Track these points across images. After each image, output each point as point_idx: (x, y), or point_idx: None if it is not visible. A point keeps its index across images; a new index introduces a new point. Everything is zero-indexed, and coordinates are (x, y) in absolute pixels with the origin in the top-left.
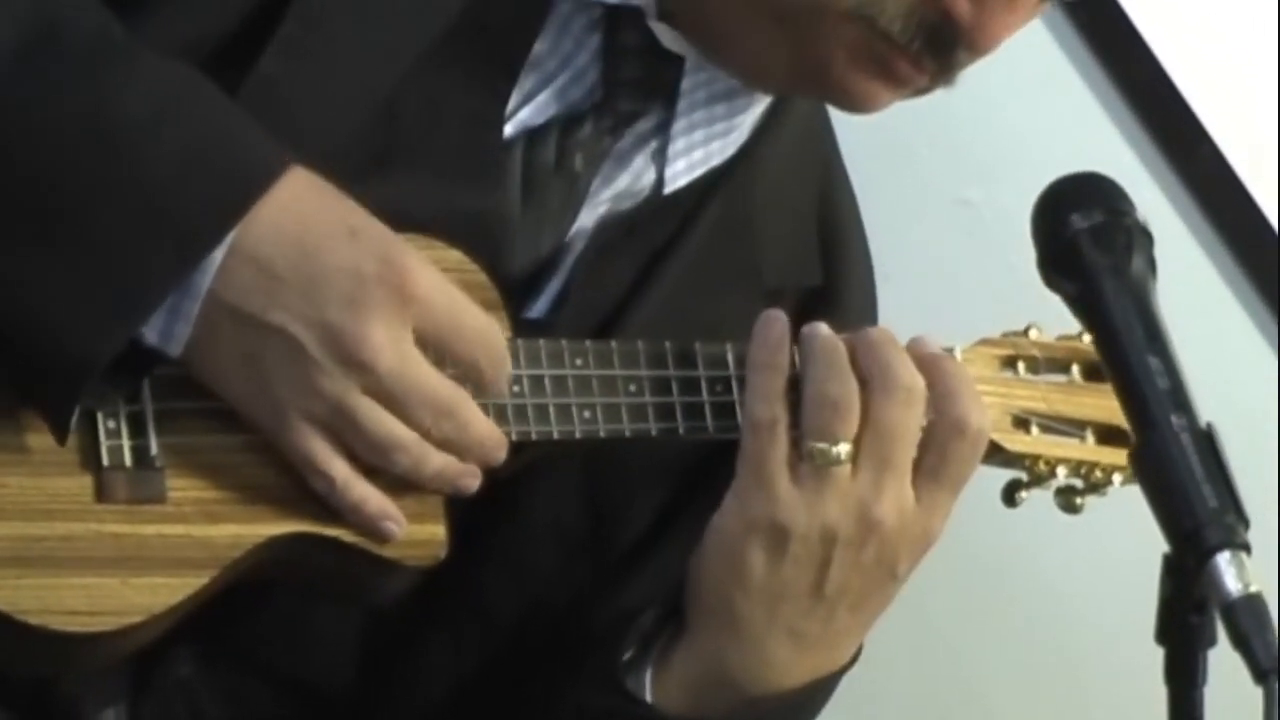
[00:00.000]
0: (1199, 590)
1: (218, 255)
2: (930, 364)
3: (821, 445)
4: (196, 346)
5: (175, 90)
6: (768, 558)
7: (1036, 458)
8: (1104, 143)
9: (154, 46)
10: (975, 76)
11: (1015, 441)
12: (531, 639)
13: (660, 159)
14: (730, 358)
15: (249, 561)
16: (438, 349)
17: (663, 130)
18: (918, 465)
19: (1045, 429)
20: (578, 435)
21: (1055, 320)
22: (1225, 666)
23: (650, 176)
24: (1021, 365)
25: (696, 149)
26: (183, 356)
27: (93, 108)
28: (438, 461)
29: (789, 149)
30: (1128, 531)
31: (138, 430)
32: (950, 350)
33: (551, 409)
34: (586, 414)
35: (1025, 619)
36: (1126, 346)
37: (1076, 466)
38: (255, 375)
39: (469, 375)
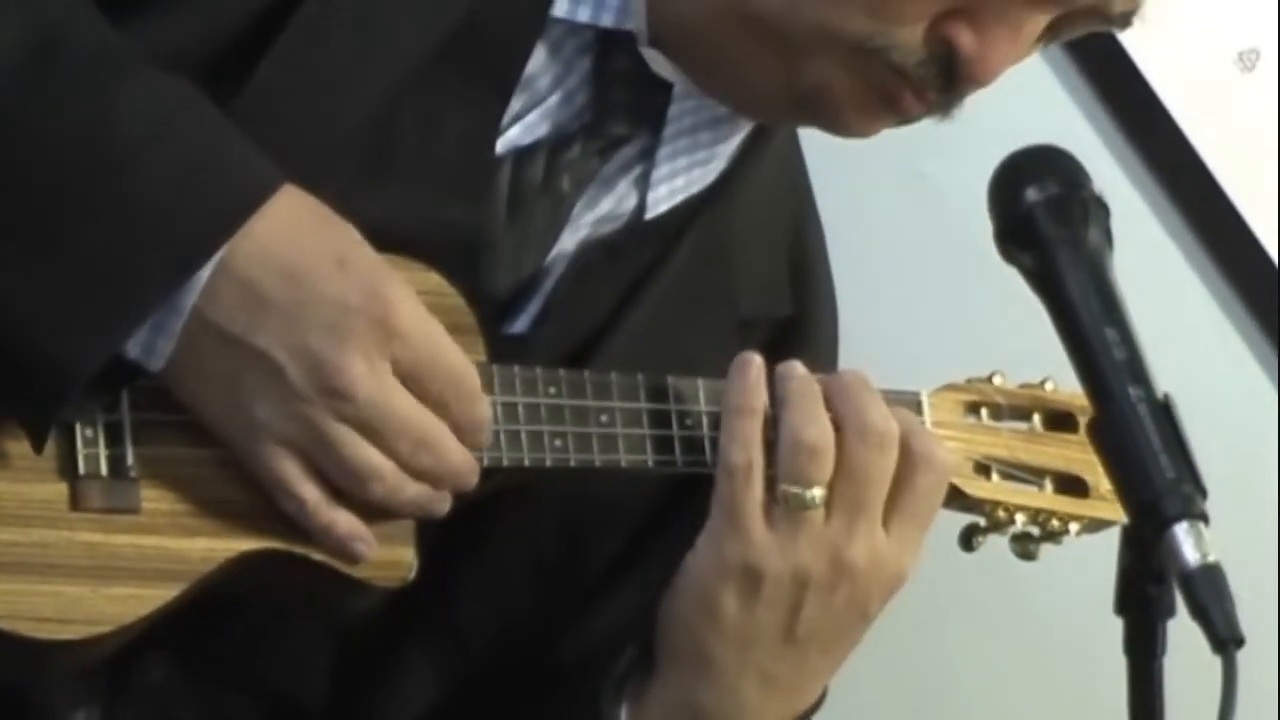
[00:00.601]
0: (1157, 561)
1: (205, 273)
2: (892, 411)
3: (796, 490)
4: (177, 363)
5: (171, 106)
6: (740, 600)
7: (996, 504)
8: (1061, 116)
9: (152, 54)
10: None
11: (976, 487)
12: (505, 663)
13: (643, 185)
14: (701, 393)
15: (220, 576)
16: (410, 382)
17: (647, 156)
18: (887, 505)
19: (1006, 475)
20: (548, 463)
21: (1013, 294)
22: (1184, 637)
23: (632, 201)
24: (985, 411)
25: (679, 176)
26: (162, 372)
27: (90, 121)
28: (412, 490)
29: (766, 177)
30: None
31: (114, 440)
32: (916, 395)
33: (523, 436)
34: (558, 442)
35: (985, 591)
36: (1083, 318)
37: (1035, 514)
38: (233, 395)
39: (437, 413)
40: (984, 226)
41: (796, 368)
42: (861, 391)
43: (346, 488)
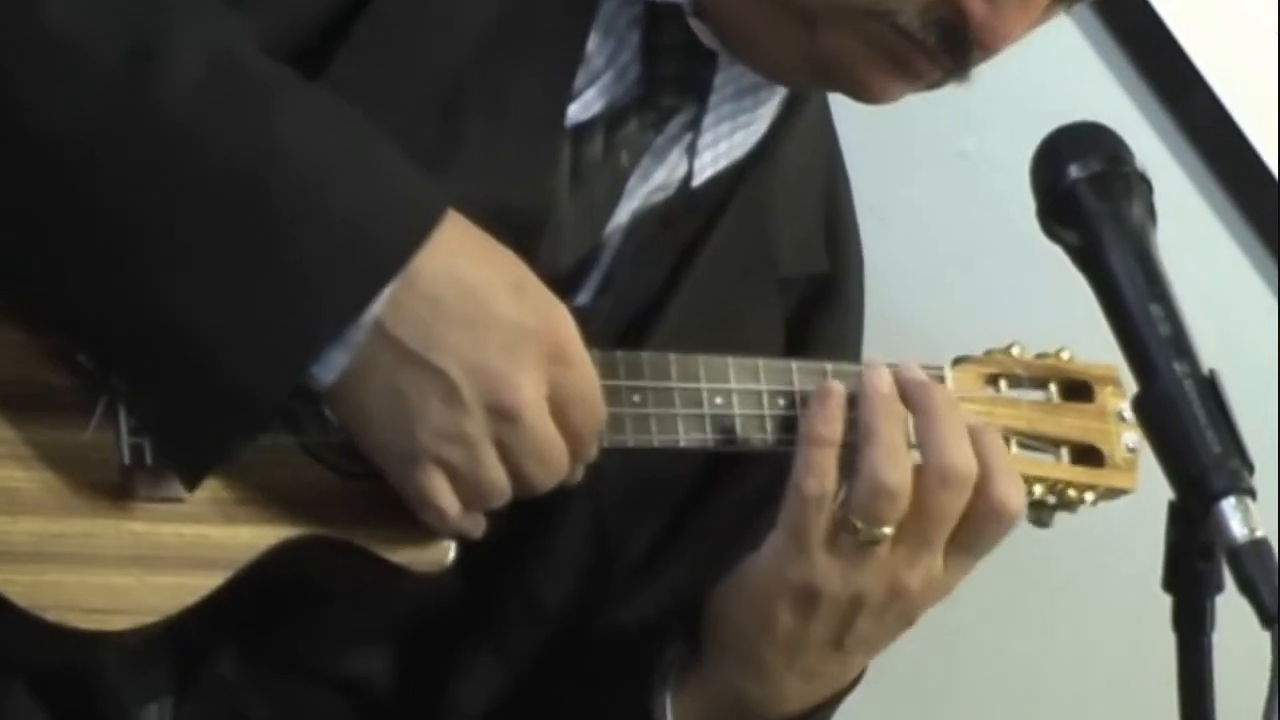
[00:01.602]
0: (1205, 536)
1: (389, 287)
2: (976, 441)
3: (867, 526)
4: (347, 378)
5: (347, 125)
6: (796, 615)
7: None
8: (1100, 91)
9: None
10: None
11: None
12: (570, 633)
13: (691, 153)
14: (731, 371)
15: (263, 563)
16: (562, 409)
17: (695, 125)
18: (951, 538)
19: (1024, 446)
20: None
21: (1053, 272)
22: (1233, 612)
23: (682, 170)
24: (1004, 383)
25: (722, 141)
26: (331, 387)
27: (273, 137)
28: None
29: (802, 140)
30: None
31: None
32: (940, 369)
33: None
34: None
35: (1031, 567)
36: (1127, 295)
37: (1052, 485)
38: (401, 412)
39: (573, 445)
40: (1024, 205)
41: (884, 383)
42: (948, 422)
43: (468, 502)
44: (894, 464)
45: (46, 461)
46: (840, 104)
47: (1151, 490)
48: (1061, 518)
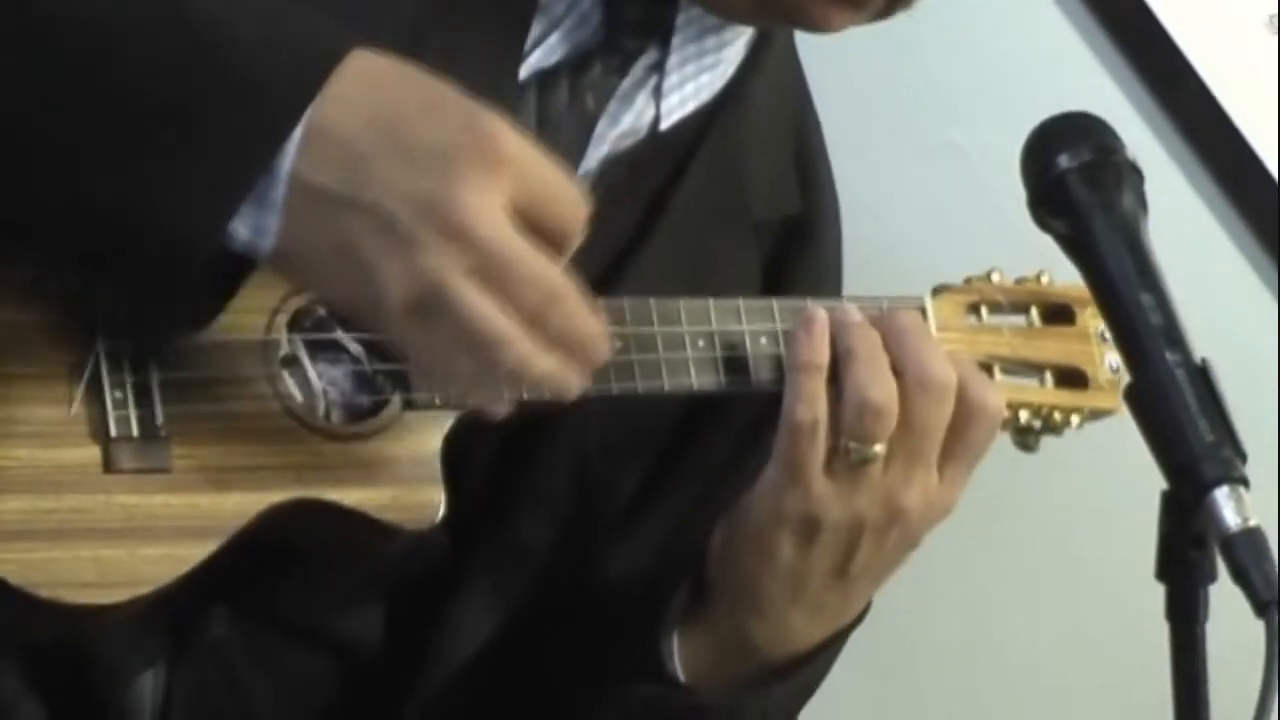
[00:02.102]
0: (1198, 525)
1: (296, 133)
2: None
3: (859, 446)
4: (287, 239)
5: None
6: (796, 546)
7: None
8: (1090, 82)
9: None
10: (958, 16)
11: None
12: (561, 582)
13: (658, 96)
14: (712, 312)
15: (253, 529)
16: (531, 210)
17: (660, 67)
18: (941, 451)
19: (1007, 372)
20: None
21: (1044, 259)
22: (1226, 601)
23: (650, 114)
24: (984, 310)
25: (688, 83)
26: (275, 252)
27: (165, 8)
28: (545, 362)
29: (769, 82)
30: (1125, 469)
31: (143, 400)
32: (919, 300)
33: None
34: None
35: (1024, 559)
36: (1118, 284)
37: (1037, 409)
38: (350, 261)
39: (561, 238)
40: (1015, 195)
41: (853, 314)
42: (921, 338)
43: (475, 357)
44: (876, 380)
45: (32, 439)
46: (828, 96)
47: (1144, 479)
48: (1046, 502)
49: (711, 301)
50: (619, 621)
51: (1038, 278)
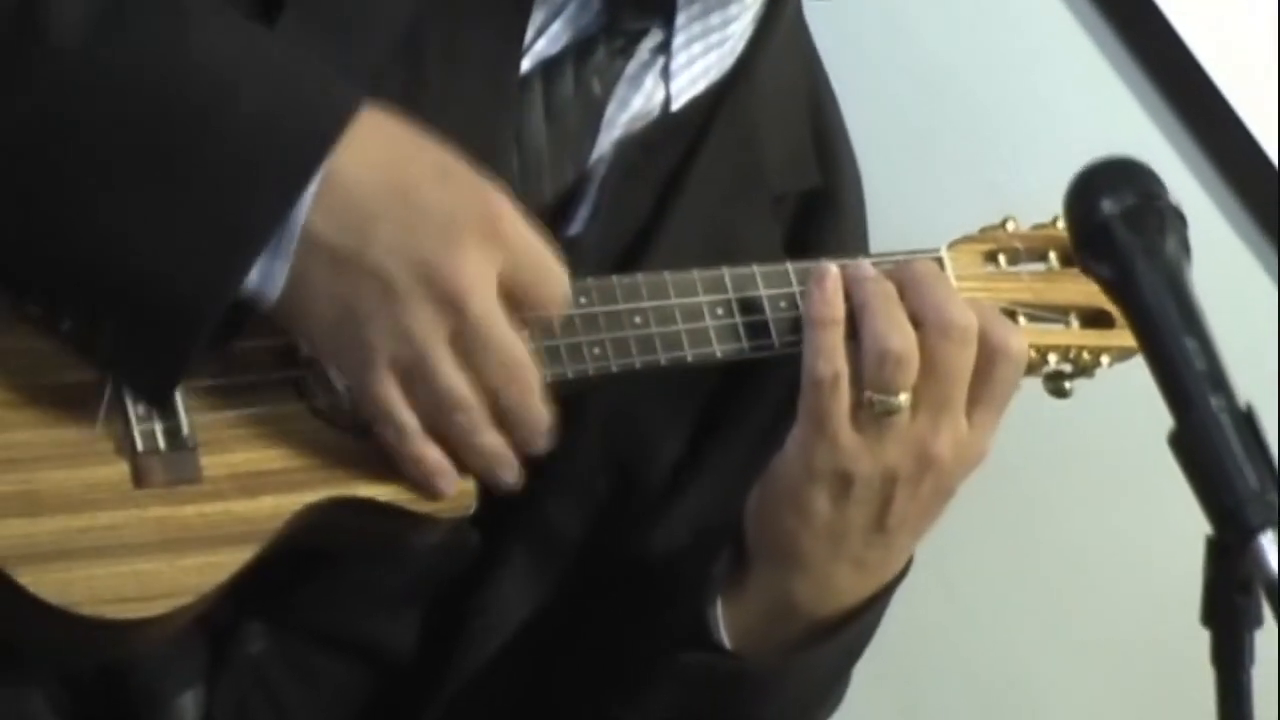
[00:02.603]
0: (1243, 571)
1: (312, 188)
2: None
3: (883, 397)
4: (291, 288)
5: (248, 34)
6: (832, 501)
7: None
8: (1133, 127)
9: None
10: (1000, 63)
11: None
12: (597, 557)
13: (666, 77)
14: (728, 279)
15: (289, 530)
16: (517, 293)
17: (666, 48)
18: (969, 394)
19: (1032, 318)
20: (591, 373)
21: None
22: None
23: (660, 95)
24: (1003, 258)
25: (696, 61)
26: (278, 301)
27: (176, 58)
28: (489, 437)
29: (779, 56)
30: (1170, 513)
31: (168, 412)
32: (936, 252)
33: (562, 349)
34: (596, 350)
35: (1067, 604)
36: (1162, 328)
37: (1065, 351)
38: (346, 317)
39: (539, 322)
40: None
41: (867, 268)
42: (937, 285)
43: (431, 416)
44: (894, 328)
45: (61, 460)
46: (868, 138)
47: (1188, 524)
48: (1089, 547)
49: (726, 270)
50: (663, 594)
51: (1054, 222)
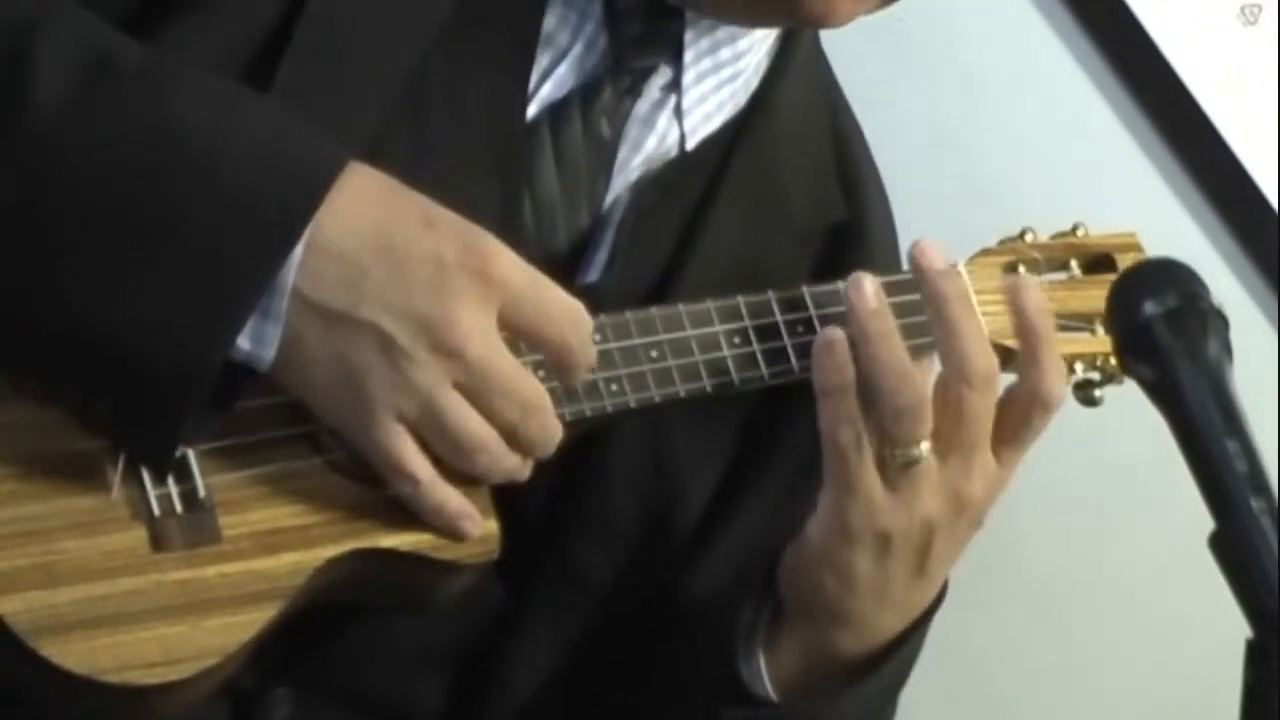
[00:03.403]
0: None
1: (298, 251)
2: (1030, 328)
3: (904, 451)
4: (286, 350)
5: (229, 98)
6: (873, 560)
7: None
8: (1176, 228)
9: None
10: (1046, 161)
11: None
12: (626, 613)
13: (679, 115)
14: (744, 308)
15: (312, 586)
16: (523, 331)
17: (677, 85)
18: (999, 433)
19: (1057, 328)
20: (609, 409)
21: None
22: None
23: (674, 135)
24: (1023, 269)
25: (709, 98)
26: (273, 363)
27: (157, 125)
28: (510, 461)
29: (797, 90)
30: (1209, 613)
31: (183, 475)
32: (954, 265)
33: (579, 388)
34: (614, 387)
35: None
36: (1204, 431)
37: (1092, 359)
38: (344, 375)
39: (556, 358)
40: None
41: (867, 300)
42: (960, 327)
43: (449, 459)
44: (903, 383)
45: (77, 529)
46: (899, 218)
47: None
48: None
49: (741, 298)
50: (696, 646)
51: (1074, 230)
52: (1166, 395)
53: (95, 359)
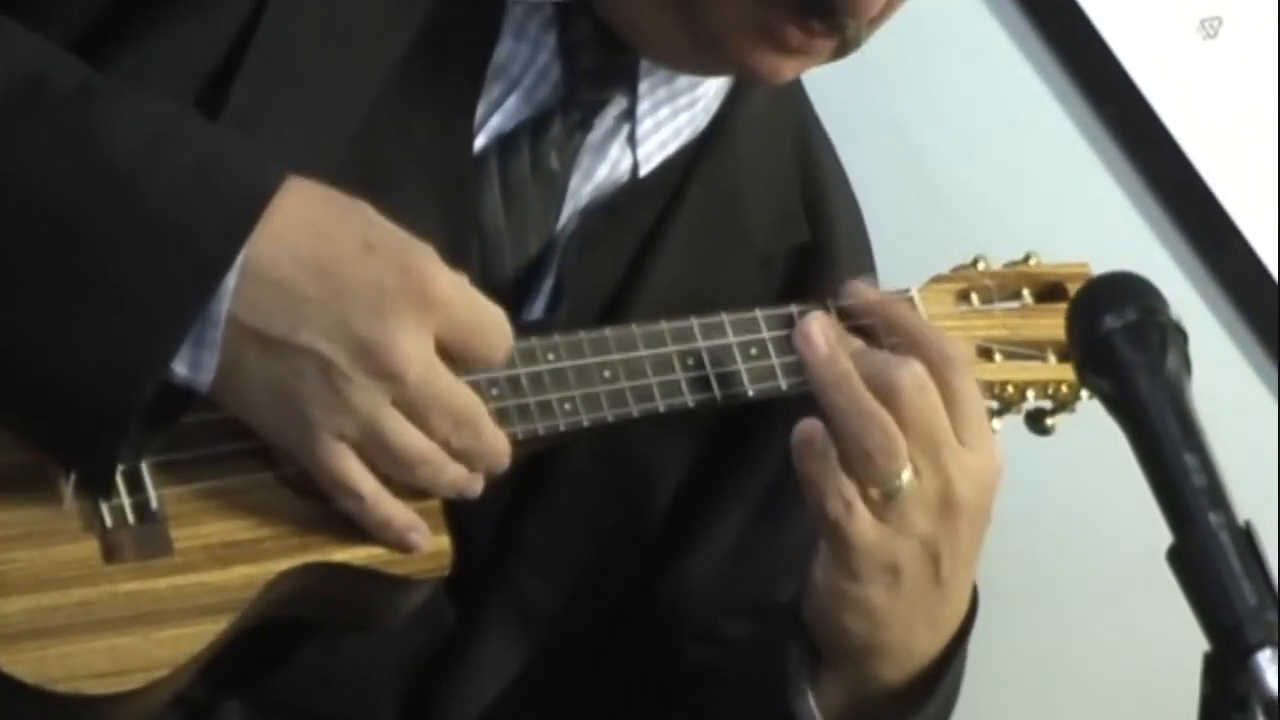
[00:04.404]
0: (1240, 688)
1: (231, 279)
2: (889, 318)
3: (886, 486)
4: (224, 375)
5: (164, 121)
6: (888, 591)
7: (1005, 383)
8: (1135, 242)
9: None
10: (1007, 173)
11: (983, 371)
12: (576, 631)
13: (632, 143)
14: (697, 330)
15: (264, 600)
16: (457, 350)
17: (630, 115)
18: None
19: (1008, 355)
20: (561, 428)
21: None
22: None
23: (627, 163)
24: (975, 297)
25: (664, 126)
26: (211, 386)
27: (87, 150)
28: (452, 472)
29: (761, 112)
30: (1166, 626)
31: (135, 487)
32: (906, 292)
33: (532, 406)
34: (567, 406)
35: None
36: (1162, 444)
37: (1044, 386)
38: (285, 398)
39: (487, 367)
40: None
41: (816, 348)
42: (884, 360)
43: (393, 474)
44: (868, 424)
45: (29, 539)
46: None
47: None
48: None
49: (695, 320)
50: (747, 682)
51: (1026, 260)
52: (1126, 409)
53: (26, 385)
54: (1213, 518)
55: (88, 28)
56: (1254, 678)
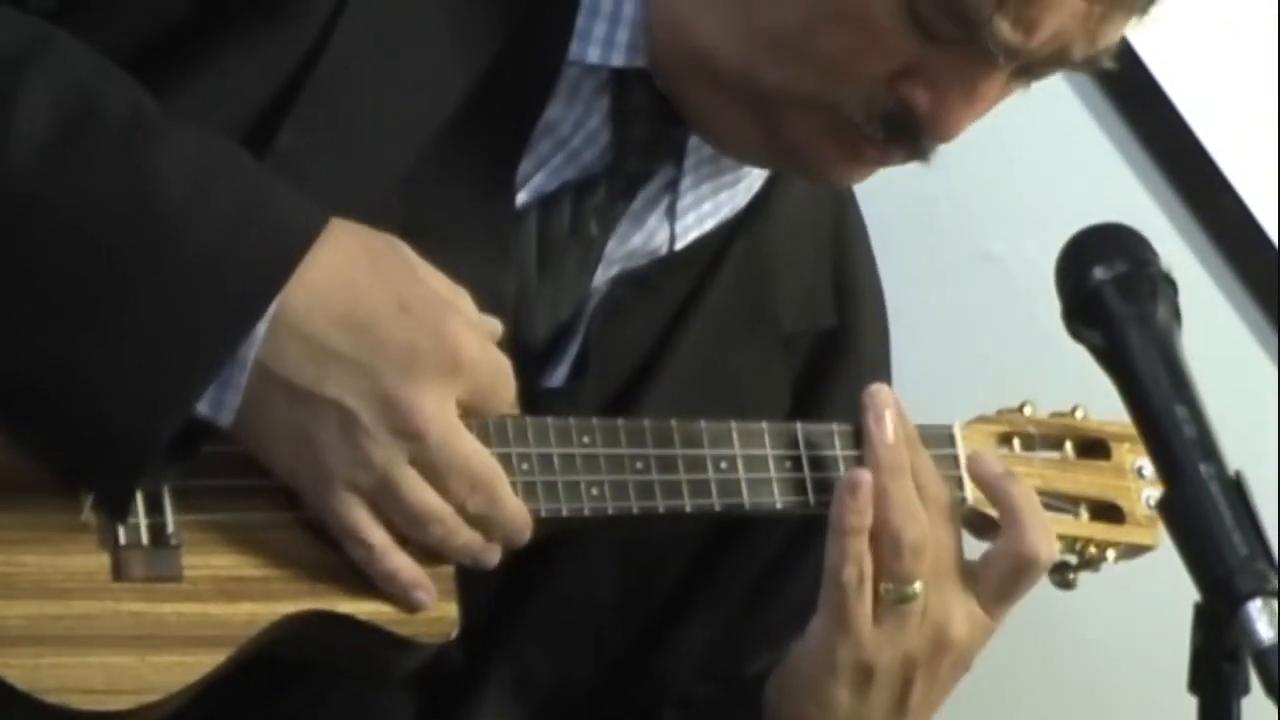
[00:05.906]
0: (1231, 638)
1: (262, 327)
2: (999, 491)
3: (899, 586)
4: (246, 417)
5: (210, 160)
6: (854, 691)
7: None
8: (1126, 194)
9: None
10: (997, 131)
11: None
12: (569, 698)
13: (671, 216)
14: (735, 436)
15: (265, 639)
16: (475, 410)
17: (673, 188)
18: (989, 590)
19: (1042, 505)
20: (586, 512)
21: (1081, 371)
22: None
23: (663, 235)
24: (1017, 442)
25: (705, 201)
26: (232, 426)
27: (131, 185)
28: (466, 535)
29: (801, 194)
30: (1157, 577)
31: (154, 509)
32: (949, 428)
33: (560, 486)
34: (594, 491)
35: (1053, 667)
36: (1153, 396)
37: (1072, 542)
38: (305, 445)
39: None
40: (1052, 307)
41: (885, 438)
42: (912, 473)
43: (406, 531)
44: (910, 520)
45: (41, 545)
46: (865, 209)
47: (1175, 587)
48: (1076, 610)
49: (735, 424)
50: None
51: (1072, 412)
52: (1115, 361)
53: (52, 413)
54: (1203, 468)
55: (151, 45)
56: (1244, 627)
